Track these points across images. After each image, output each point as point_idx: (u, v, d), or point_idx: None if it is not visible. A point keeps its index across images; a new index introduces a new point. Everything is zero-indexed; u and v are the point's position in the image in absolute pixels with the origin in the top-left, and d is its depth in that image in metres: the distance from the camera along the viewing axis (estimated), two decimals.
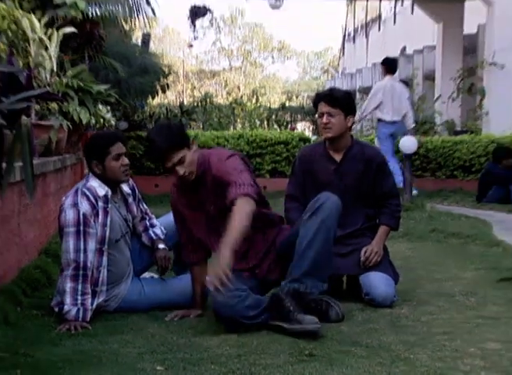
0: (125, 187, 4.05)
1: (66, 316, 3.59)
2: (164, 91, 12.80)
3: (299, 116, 23.54)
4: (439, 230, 7.02)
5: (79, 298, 3.63)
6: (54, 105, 5.32)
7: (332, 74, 37.45)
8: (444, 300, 4.24)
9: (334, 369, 2.94)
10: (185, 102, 19.86)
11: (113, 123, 7.01)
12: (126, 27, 10.51)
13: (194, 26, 15.26)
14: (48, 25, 5.89)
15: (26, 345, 3.19)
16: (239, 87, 38.44)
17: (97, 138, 4.02)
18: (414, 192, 9.76)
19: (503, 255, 5.79)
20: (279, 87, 44.50)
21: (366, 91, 26.41)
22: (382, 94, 9.84)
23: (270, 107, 24.22)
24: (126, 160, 3.88)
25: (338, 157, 4.44)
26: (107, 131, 5.17)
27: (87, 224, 3.69)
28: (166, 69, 12.90)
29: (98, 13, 8.17)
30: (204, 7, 15.13)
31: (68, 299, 3.61)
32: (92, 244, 3.70)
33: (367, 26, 28.11)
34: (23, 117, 3.51)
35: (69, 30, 6.26)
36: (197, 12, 15.13)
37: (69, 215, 3.69)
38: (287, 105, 26.03)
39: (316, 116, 4.48)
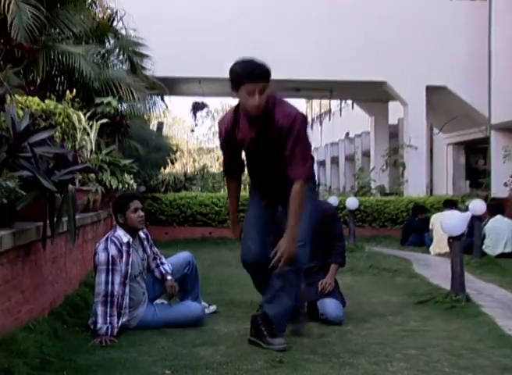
0: (142, 234, 4.06)
1: (99, 332, 3.56)
2: (172, 163, 12.81)
3: None
4: (375, 266, 7.01)
5: (108, 318, 3.59)
6: (92, 175, 5.34)
7: None
8: (378, 318, 4.24)
9: (298, 372, 2.97)
10: (188, 171, 19.88)
11: (135, 187, 7.01)
12: (146, 118, 10.61)
13: (195, 116, 15.34)
14: (90, 118, 5.96)
15: (70, 353, 3.19)
16: None
17: (121, 197, 4.11)
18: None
19: (420, 285, 5.82)
20: None
21: (322, 163, 26.72)
22: None
23: None
24: (141, 213, 3.91)
25: None
26: (128, 192, 5.20)
27: (115, 263, 3.69)
28: (174, 148, 12.94)
29: (126, 108, 8.27)
30: (203, 103, 15.27)
31: (100, 319, 3.58)
32: (118, 278, 3.69)
33: (321, 117, 28.48)
34: (69, 185, 3.54)
35: (105, 121, 6.34)
36: (197, 107, 15.25)
37: (102, 256, 3.70)
38: None
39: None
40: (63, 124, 4.99)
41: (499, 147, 11.11)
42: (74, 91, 6.10)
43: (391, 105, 15.79)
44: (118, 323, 3.66)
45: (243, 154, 3.60)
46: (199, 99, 15.12)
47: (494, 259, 7.63)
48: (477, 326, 3.98)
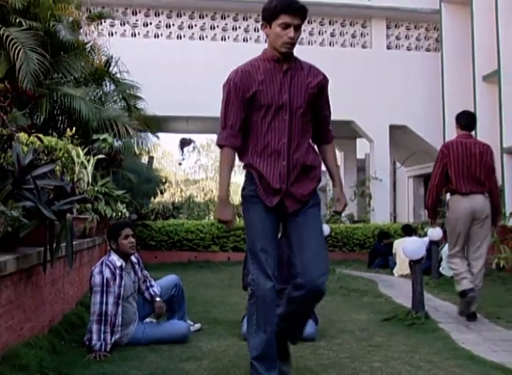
0: (133, 259, 4.07)
1: (93, 348, 3.53)
2: (162, 194, 12.80)
3: None
4: (345, 287, 6.99)
5: (102, 335, 3.57)
6: (88, 205, 5.34)
7: None
8: (347, 335, 4.23)
9: None
10: (176, 201, 19.84)
11: (127, 215, 7.01)
12: (138, 152, 10.64)
13: (183, 151, 15.43)
14: (88, 153, 5.99)
15: (67, 367, 3.16)
16: (212, 191, 38.54)
17: (114, 225, 4.12)
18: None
19: (384, 304, 5.82)
20: (239, 191, 44.69)
21: None
22: None
23: (233, 204, 24.22)
24: (132, 239, 3.92)
25: None
26: (120, 221, 5.22)
27: (109, 285, 3.68)
28: (163, 179, 12.95)
29: (120, 144, 8.31)
30: (190, 139, 15.41)
31: (95, 336, 3.56)
32: (111, 299, 3.67)
33: None
34: (68, 214, 3.56)
35: (101, 156, 6.37)
36: (184, 143, 15.37)
37: (97, 279, 3.69)
38: None
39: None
40: (63, 159, 5.02)
41: None
42: (74, 128, 6.15)
43: (359, 141, 16.08)
44: (111, 339, 3.64)
45: (255, 112, 2.69)
46: (186, 136, 15.26)
47: (450, 280, 7.71)
48: (434, 340, 4.02)
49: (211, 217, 19.34)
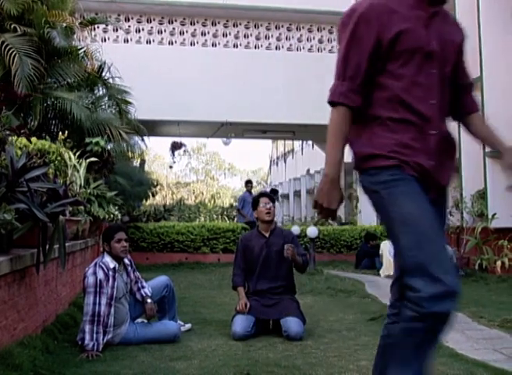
0: (126, 260, 4.06)
1: (86, 348, 3.52)
2: (153, 196, 12.78)
3: None
4: (332, 288, 7.01)
5: (94, 335, 3.57)
6: (81, 207, 5.31)
7: (263, 185, 37.88)
8: (334, 334, 4.25)
9: None
10: (167, 203, 19.80)
11: (119, 217, 6.98)
12: (130, 155, 10.62)
13: (174, 154, 15.40)
14: (80, 156, 5.97)
15: (60, 367, 3.15)
16: (202, 193, 38.48)
17: (108, 228, 4.12)
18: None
19: (371, 304, 5.85)
20: (229, 194, 44.75)
21: (286, 196, 26.93)
22: None
23: (223, 206, 24.28)
24: (124, 243, 3.92)
25: (266, 234, 4.46)
26: (115, 224, 5.20)
27: (102, 287, 3.68)
28: (155, 182, 12.92)
29: (112, 147, 8.28)
30: (181, 142, 15.38)
31: (87, 336, 3.55)
32: (104, 300, 3.67)
33: (285, 155, 28.81)
34: (60, 216, 3.55)
35: (93, 159, 6.35)
36: (175, 146, 15.34)
37: (91, 280, 3.69)
38: (234, 205, 26.18)
39: (260, 205, 4.38)
40: (56, 162, 4.99)
41: None
42: (66, 132, 6.12)
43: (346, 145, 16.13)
44: (103, 339, 3.64)
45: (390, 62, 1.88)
46: (177, 139, 15.25)
47: None
48: None
49: (202, 219, 19.32)
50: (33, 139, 4.60)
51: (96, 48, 8.63)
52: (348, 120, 1.91)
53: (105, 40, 12.06)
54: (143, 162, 13.83)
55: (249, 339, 4.02)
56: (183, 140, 15.37)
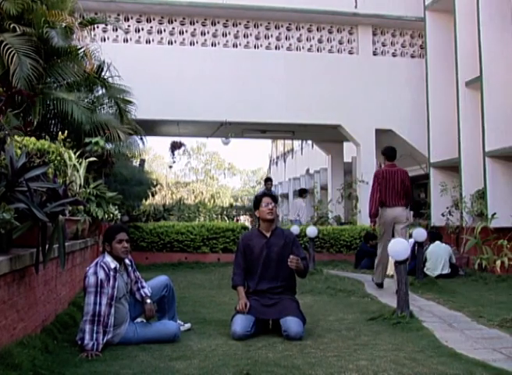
0: (126, 261, 4.06)
1: (85, 347, 3.53)
2: (153, 196, 12.74)
3: (241, 212, 23.65)
4: (332, 288, 7.02)
5: (94, 335, 3.57)
6: (80, 207, 5.32)
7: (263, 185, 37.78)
8: (334, 334, 4.25)
9: None
10: (166, 203, 19.78)
11: (119, 217, 6.98)
12: (129, 155, 10.61)
13: (173, 154, 15.39)
14: (80, 156, 5.96)
15: (59, 366, 3.15)
16: (202, 193, 38.47)
17: (110, 228, 4.11)
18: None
19: (371, 303, 5.86)
20: (229, 193, 44.75)
21: (285, 195, 26.93)
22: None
23: (223, 206, 24.27)
24: (125, 244, 3.92)
25: (267, 234, 4.48)
26: (117, 224, 5.21)
27: (103, 286, 3.68)
28: (154, 182, 12.90)
29: (112, 147, 8.28)
30: (180, 142, 15.37)
31: (87, 336, 3.56)
32: (105, 300, 3.67)
33: (284, 155, 28.82)
34: (60, 216, 3.55)
35: (92, 159, 6.34)
36: (175, 146, 15.34)
37: (91, 280, 3.69)
38: (234, 204, 26.19)
39: (263, 205, 4.38)
40: (56, 162, 4.99)
41: (437, 182, 11.41)
42: (66, 132, 6.11)
43: (345, 145, 16.15)
44: (103, 339, 3.64)
45: None
46: (177, 139, 15.23)
47: (434, 280, 7.78)
48: (418, 338, 4.05)
49: (201, 219, 19.33)
50: (33, 139, 4.59)
51: (95, 48, 8.62)
52: None
53: (105, 39, 12.04)
54: (142, 161, 13.81)
55: (249, 339, 4.02)
56: (183, 139, 15.37)
